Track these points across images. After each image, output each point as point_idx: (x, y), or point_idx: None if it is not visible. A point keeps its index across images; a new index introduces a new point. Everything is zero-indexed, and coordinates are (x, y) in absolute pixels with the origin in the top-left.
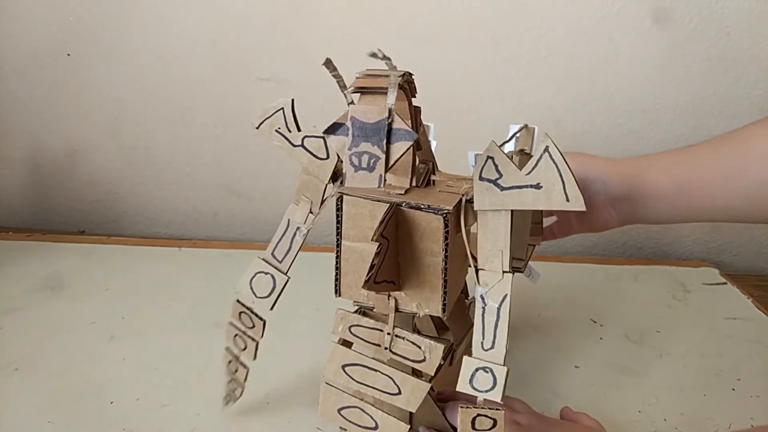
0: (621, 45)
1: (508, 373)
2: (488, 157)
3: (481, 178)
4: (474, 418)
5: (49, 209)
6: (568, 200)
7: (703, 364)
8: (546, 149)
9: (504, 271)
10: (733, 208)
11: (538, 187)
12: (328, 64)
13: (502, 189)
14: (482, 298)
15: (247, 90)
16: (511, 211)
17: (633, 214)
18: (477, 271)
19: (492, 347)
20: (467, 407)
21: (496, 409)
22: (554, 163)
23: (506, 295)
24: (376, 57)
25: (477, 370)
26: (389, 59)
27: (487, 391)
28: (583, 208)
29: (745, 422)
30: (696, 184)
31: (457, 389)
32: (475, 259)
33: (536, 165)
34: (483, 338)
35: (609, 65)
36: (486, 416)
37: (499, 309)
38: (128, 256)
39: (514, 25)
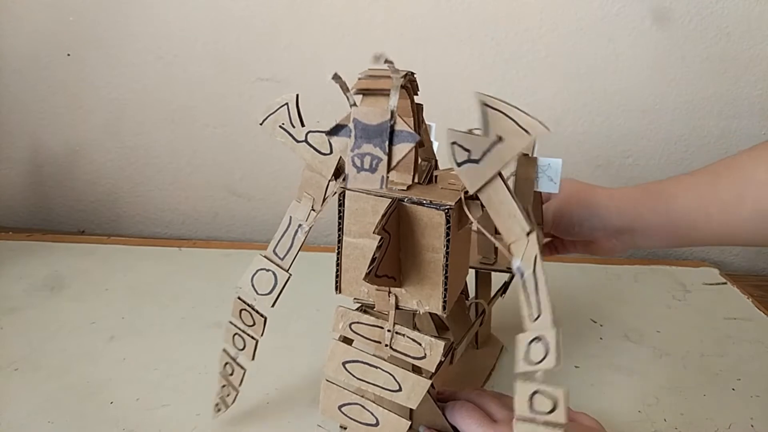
0: (621, 45)
1: (559, 334)
2: (452, 143)
3: (459, 165)
4: (532, 396)
5: (49, 209)
6: (528, 132)
7: (703, 364)
8: (482, 104)
9: (527, 233)
10: (734, 236)
11: (501, 140)
12: (337, 78)
13: (478, 161)
14: (519, 271)
15: (247, 90)
16: (500, 174)
17: (635, 242)
18: (508, 248)
19: (539, 314)
20: (525, 381)
21: (557, 387)
22: (497, 110)
23: (536, 256)
24: (379, 60)
25: (530, 343)
26: (392, 62)
27: (541, 361)
28: (545, 131)
29: (745, 422)
30: (697, 217)
31: (516, 371)
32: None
33: (485, 121)
34: (530, 309)
35: (609, 65)
36: (545, 395)
37: (534, 273)
38: (128, 256)
39: (514, 25)
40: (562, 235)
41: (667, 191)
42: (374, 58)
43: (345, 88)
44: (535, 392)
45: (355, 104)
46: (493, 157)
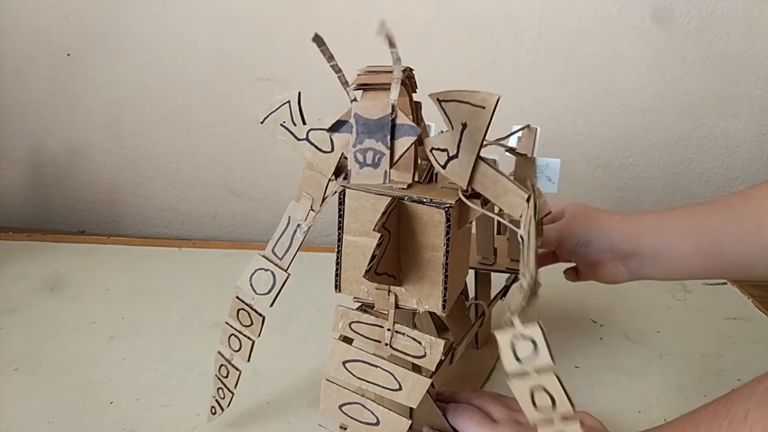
0: (621, 45)
1: (537, 277)
2: (431, 151)
3: (443, 167)
4: (513, 344)
5: (49, 209)
6: (483, 107)
7: (703, 364)
8: (437, 100)
9: (526, 199)
10: (749, 267)
11: (465, 126)
12: (318, 39)
13: (457, 154)
14: (521, 239)
15: (247, 90)
16: (481, 159)
17: (642, 270)
18: (512, 222)
19: (526, 273)
20: (502, 331)
21: (531, 325)
22: (450, 101)
23: (530, 217)
24: (382, 33)
25: (515, 339)
26: (394, 45)
27: (519, 302)
28: (497, 97)
29: None
30: (711, 245)
31: (503, 319)
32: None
33: (446, 116)
34: (522, 267)
35: (609, 65)
36: (522, 337)
37: (527, 233)
38: (128, 256)
39: (514, 25)
40: (567, 256)
41: (680, 220)
42: (378, 31)
43: (343, 81)
44: (513, 338)
45: (355, 99)
46: (466, 144)
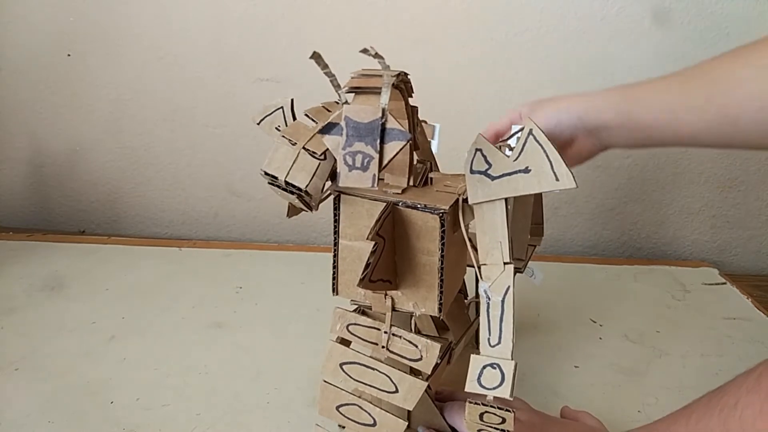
0: (621, 45)
1: (516, 367)
2: (477, 150)
3: (472, 172)
4: (482, 414)
5: (49, 209)
6: (557, 179)
7: (703, 364)
8: (530, 132)
9: (505, 263)
10: (699, 139)
11: (527, 171)
12: (318, 58)
13: (493, 179)
14: (486, 293)
15: (247, 90)
16: (506, 200)
17: (611, 140)
18: (479, 267)
19: (498, 342)
20: (475, 403)
21: (506, 410)
22: (539, 144)
23: (509, 287)
24: (368, 54)
25: (484, 367)
26: (382, 57)
27: (495, 388)
28: (573, 185)
29: None
30: (665, 118)
31: (466, 389)
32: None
33: (523, 149)
34: (489, 334)
35: (609, 65)
36: (494, 414)
37: (502, 302)
38: (128, 256)
39: (514, 25)
40: None
41: (640, 94)
42: (362, 51)
43: (335, 84)
44: (484, 412)
45: (346, 102)
46: (510, 183)
